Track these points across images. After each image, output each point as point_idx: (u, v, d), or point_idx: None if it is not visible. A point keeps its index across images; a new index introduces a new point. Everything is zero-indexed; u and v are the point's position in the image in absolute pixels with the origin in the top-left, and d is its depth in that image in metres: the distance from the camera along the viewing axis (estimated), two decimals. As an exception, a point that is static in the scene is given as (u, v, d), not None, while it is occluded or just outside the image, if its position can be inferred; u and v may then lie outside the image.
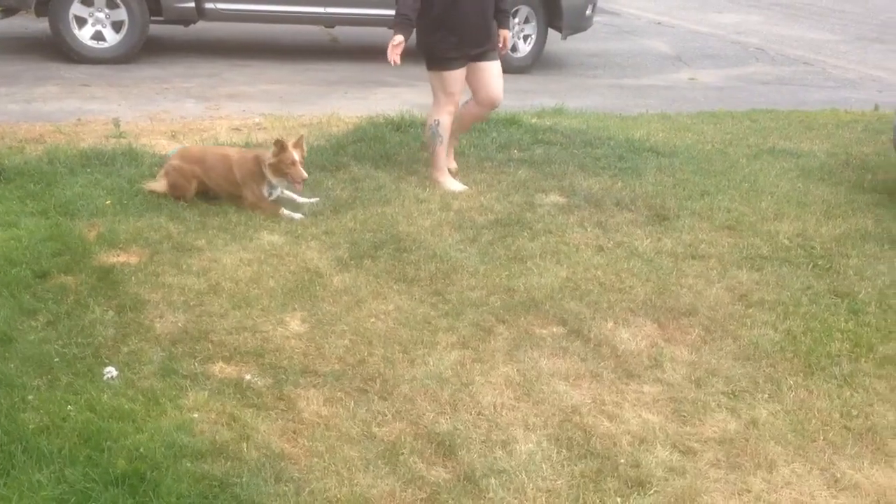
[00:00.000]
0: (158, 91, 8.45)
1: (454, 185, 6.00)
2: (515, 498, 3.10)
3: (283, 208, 5.40)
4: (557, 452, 3.36)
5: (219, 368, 3.77)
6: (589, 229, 5.48)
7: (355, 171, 6.23)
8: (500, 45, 5.95)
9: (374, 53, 10.78)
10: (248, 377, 3.70)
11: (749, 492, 3.24)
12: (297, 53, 10.61)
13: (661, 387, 3.87)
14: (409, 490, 3.10)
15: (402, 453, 3.28)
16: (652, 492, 3.18)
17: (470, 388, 3.74)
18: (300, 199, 5.56)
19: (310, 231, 5.16)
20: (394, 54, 5.53)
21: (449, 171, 6.15)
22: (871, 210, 6.20)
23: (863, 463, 3.45)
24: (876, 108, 9.51)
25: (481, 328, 4.23)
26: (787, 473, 3.36)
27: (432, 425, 3.47)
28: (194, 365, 3.77)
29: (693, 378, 3.95)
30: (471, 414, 3.57)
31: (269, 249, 4.89)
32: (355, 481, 3.11)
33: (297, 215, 5.35)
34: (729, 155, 7.30)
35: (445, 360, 3.93)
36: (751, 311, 4.59)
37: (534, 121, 7.85)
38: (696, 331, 4.35)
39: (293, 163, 5.23)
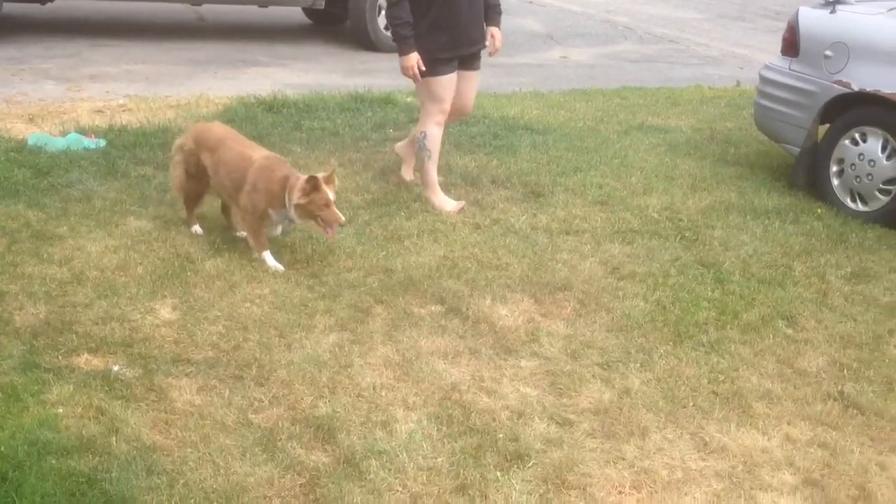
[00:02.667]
0: (14, 72, 7.98)
1: (447, 203, 5.45)
2: (396, 478, 3.09)
3: (268, 251, 4.57)
4: (437, 430, 3.37)
5: (84, 360, 3.61)
6: (466, 207, 5.50)
7: (227, 152, 6.05)
8: (492, 46, 5.52)
9: (243, 32, 10.54)
10: (115, 368, 3.55)
11: (623, 459, 3.33)
12: (162, 32, 10.22)
13: (538, 361, 3.93)
14: (288, 476, 3.05)
15: (280, 439, 3.22)
16: (531, 464, 3.22)
17: (348, 370, 3.70)
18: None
19: (179, 216, 4.97)
20: (413, 72, 5.15)
21: (405, 180, 5.82)
22: (735, 183, 6.46)
23: (730, 426, 3.59)
24: (738, 84, 9.90)
25: (359, 309, 4.18)
26: (658, 439, 3.46)
27: (311, 409, 3.41)
28: (58, 358, 3.60)
29: (569, 351, 4.02)
30: (350, 396, 3.53)
31: (137, 235, 4.70)
32: (232, 470, 3.03)
33: (280, 267, 4.52)
34: (600, 132, 7.46)
35: (323, 342, 3.88)
36: (623, 283, 4.71)
37: (409, 99, 7.81)
38: (571, 304, 4.43)
39: (327, 204, 4.36)
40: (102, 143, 6.01)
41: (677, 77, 10.30)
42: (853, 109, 6.16)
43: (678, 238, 5.34)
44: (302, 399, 3.48)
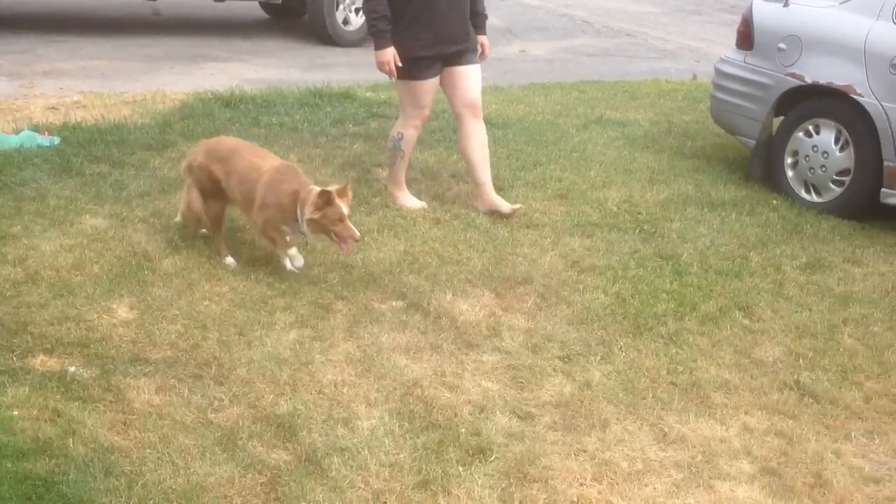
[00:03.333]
0: (-37, 68, 7.83)
1: (412, 202, 5.41)
2: (358, 475, 3.08)
3: (294, 248, 4.42)
4: (399, 426, 3.37)
5: (40, 361, 3.55)
6: (426, 202, 5.49)
7: (184, 149, 5.94)
8: (479, 53, 5.41)
9: (199, 27, 10.41)
10: (72, 369, 3.50)
11: (584, 451, 3.35)
12: (117, 28, 10.06)
13: (500, 355, 3.94)
14: (249, 475, 3.03)
15: (241, 438, 3.20)
16: (493, 458, 3.23)
17: (309, 367, 3.69)
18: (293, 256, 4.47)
19: (136, 214, 4.91)
20: (390, 68, 5.05)
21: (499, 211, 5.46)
22: (692, 175, 6.53)
23: (689, 416, 3.63)
24: (694, 77, 10.00)
25: (320, 306, 4.17)
26: (619, 431, 3.50)
27: (271, 407, 3.39)
28: (12, 359, 3.53)
29: (530, 345, 4.04)
30: (311, 393, 3.52)
31: (93, 234, 4.63)
32: (192, 470, 3.01)
33: (299, 262, 4.42)
34: (559, 125, 7.49)
35: (284, 340, 3.86)
36: (583, 276, 4.74)
37: (368, 94, 7.79)
38: (532, 298, 4.45)
39: (341, 218, 4.19)
40: (57, 140, 5.91)
41: (635, 71, 10.37)
42: (807, 102, 6.25)
43: (637, 231, 5.39)
44: (262, 397, 3.46)
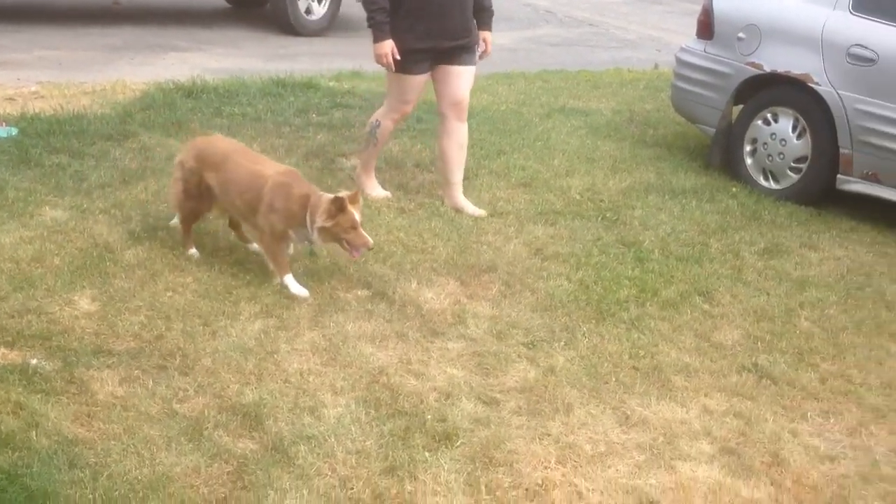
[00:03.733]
0: (-84, 59, 7.68)
1: (377, 191, 5.41)
2: (325, 462, 3.10)
3: (291, 274, 4.23)
4: (366, 414, 3.39)
5: (1, 354, 3.51)
6: (390, 191, 5.50)
7: (145, 139, 5.93)
8: (482, 49, 5.32)
9: (160, 16, 10.29)
10: (34, 362, 3.47)
11: (549, 435, 3.40)
12: (76, 17, 9.90)
13: (465, 342, 3.97)
14: (216, 464, 3.03)
15: (207, 428, 3.20)
16: (459, 443, 3.27)
17: (275, 356, 3.69)
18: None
19: (97, 205, 4.86)
20: (388, 60, 4.97)
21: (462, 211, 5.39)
22: (653, 163, 6.60)
23: (650, 400, 3.70)
24: (656, 66, 10.08)
25: (285, 296, 4.16)
26: (582, 415, 3.55)
27: (237, 397, 3.40)
28: (-28, 353, 3.49)
29: (494, 332, 4.08)
30: (277, 382, 3.52)
31: (53, 226, 4.58)
32: (157, 460, 3.00)
33: (306, 292, 4.19)
34: (523, 115, 7.53)
35: (249, 329, 3.85)
36: (546, 263, 4.78)
37: (332, 84, 7.77)
38: (497, 286, 4.49)
39: (354, 226, 4.07)
40: (14, 131, 5.82)
41: (597, 60, 10.44)
42: (765, 90, 6.35)
43: (600, 218, 5.44)
44: (228, 387, 3.45)
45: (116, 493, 2.83)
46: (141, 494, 2.84)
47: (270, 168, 4.35)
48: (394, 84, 5.25)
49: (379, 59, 5.03)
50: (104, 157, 5.54)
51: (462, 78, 5.25)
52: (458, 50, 5.16)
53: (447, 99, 5.28)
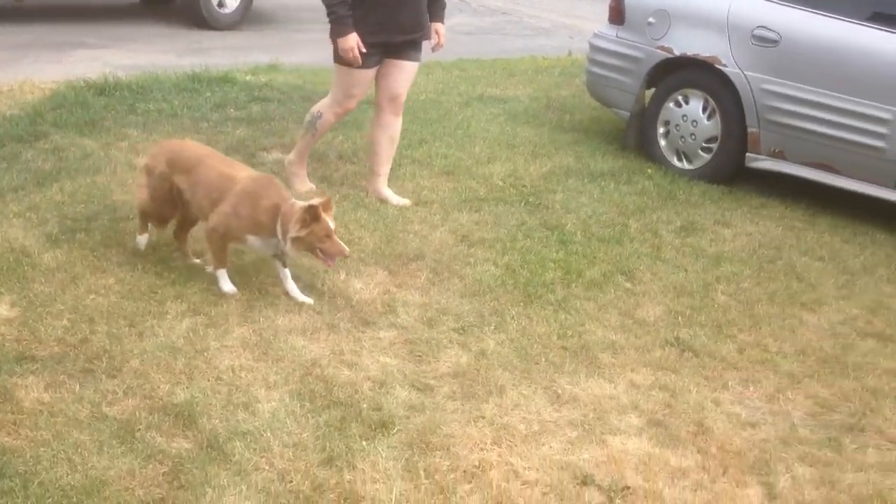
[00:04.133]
0: None
1: (303, 184, 5.36)
2: (262, 457, 3.09)
3: (224, 271, 4.11)
4: (301, 406, 3.39)
5: (-83, 367, 3.40)
6: (314, 184, 5.49)
7: (57, 139, 5.78)
8: (435, 42, 5.27)
9: (66, 13, 10.01)
10: (-47, 372, 3.37)
11: (483, 418, 3.46)
12: (-25, 15, 9.57)
13: (396, 331, 4.00)
14: (150, 466, 3.00)
15: (139, 430, 3.16)
16: (395, 431, 3.30)
17: (205, 354, 3.66)
18: (293, 293, 4.17)
19: (11, 209, 4.72)
20: (354, 54, 4.84)
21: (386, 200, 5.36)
22: (572, 148, 6.73)
23: (580, 378, 3.79)
24: (569, 53, 10.26)
25: (212, 293, 4.12)
26: (515, 396, 3.62)
27: (168, 397, 3.36)
28: None
29: (425, 319, 4.12)
30: (208, 380, 3.49)
31: (-35, 232, 4.44)
32: (90, 465, 2.95)
33: (233, 289, 4.12)
34: (442, 103, 7.58)
35: (177, 329, 3.81)
36: (473, 250, 4.84)
37: (248, 78, 7.68)
38: (425, 274, 4.53)
39: (328, 234, 3.96)
40: (-83, 135, 5.62)
41: (512, 48, 10.56)
42: (676, 73, 6.54)
43: (523, 203, 5.53)
44: (158, 387, 3.41)
45: (49, 500, 2.78)
46: (75, 500, 2.79)
47: (242, 172, 4.22)
48: (342, 78, 5.11)
49: (345, 53, 4.87)
50: (15, 159, 5.39)
51: (404, 73, 5.23)
52: (408, 45, 5.12)
53: (386, 92, 5.25)
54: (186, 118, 6.48)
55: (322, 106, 5.31)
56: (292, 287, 4.17)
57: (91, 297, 3.98)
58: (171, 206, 4.26)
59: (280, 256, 4.14)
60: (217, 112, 6.70)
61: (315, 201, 3.97)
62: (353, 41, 4.83)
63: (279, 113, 6.79)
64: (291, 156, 5.47)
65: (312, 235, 3.92)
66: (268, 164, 5.74)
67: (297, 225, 3.91)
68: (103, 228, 4.60)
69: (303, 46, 9.66)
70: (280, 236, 3.98)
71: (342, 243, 4.02)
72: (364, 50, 4.88)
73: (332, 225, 3.97)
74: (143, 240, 4.39)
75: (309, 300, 4.13)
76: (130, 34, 9.39)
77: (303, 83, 7.77)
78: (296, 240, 3.93)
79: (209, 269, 4.23)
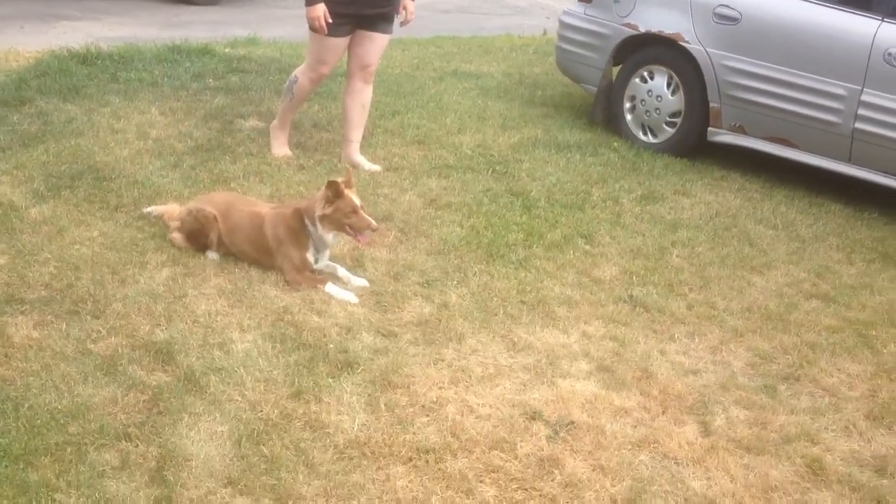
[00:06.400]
0: None
1: (280, 149, 5.59)
2: (235, 389, 3.33)
3: (329, 282, 4.16)
4: (272, 347, 3.63)
5: (-88, 306, 3.61)
6: (290, 150, 5.70)
7: (42, 105, 5.97)
8: (403, 18, 5.42)
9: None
10: (-54, 311, 3.58)
11: (443, 361, 3.71)
12: (-42, -15, 9.67)
13: (365, 284, 4.24)
14: (132, 394, 3.24)
15: (121, 364, 3.39)
16: (360, 370, 3.54)
17: (183, 300, 3.89)
18: (347, 278, 4.25)
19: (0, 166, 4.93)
20: (320, 23, 5.05)
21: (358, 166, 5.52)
22: (541, 121, 6.98)
23: (535, 328, 4.05)
24: (544, 32, 10.48)
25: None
26: (474, 343, 3.87)
27: (149, 336, 3.59)
28: None
29: (392, 273, 4.36)
30: (186, 323, 3.73)
31: (-47, 187, 4.64)
32: (75, 393, 3.19)
33: (350, 295, 4.10)
34: (416, 78, 7.80)
35: (157, 277, 4.03)
36: (440, 213, 5.08)
37: (227, 50, 7.86)
38: (393, 233, 4.76)
39: (354, 210, 4.06)
40: None
41: (489, 27, 10.77)
42: (641, 50, 6.78)
43: (490, 171, 5.77)
44: (139, 328, 3.64)
45: (38, 420, 3.01)
46: (62, 422, 3.03)
47: (268, 209, 4.33)
48: (314, 45, 5.34)
49: (311, 21, 5.11)
50: (2, 121, 5.58)
51: (375, 44, 5.43)
52: (378, 18, 5.32)
53: (357, 60, 5.47)
54: (167, 87, 6.66)
55: (298, 71, 5.55)
56: (343, 272, 4.29)
57: (76, 247, 4.20)
58: (206, 229, 4.28)
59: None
60: (196, 82, 6.88)
61: (336, 178, 4.12)
62: (320, 11, 5.06)
63: (257, 83, 6.98)
64: (275, 121, 5.71)
65: (339, 212, 4.06)
66: (244, 130, 5.94)
67: (321, 203, 4.07)
68: (87, 186, 4.81)
69: (281, 22, 9.84)
70: (313, 227, 4.12)
71: (369, 217, 4.14)
72: (330, 20, 5.09)
73: (357, 201, 4.10)
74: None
75: (364, 282, 4.23)
76: (113, 8, 9.54)
77: (280, 56, 7.97)
78: (323, 218, 4.07)
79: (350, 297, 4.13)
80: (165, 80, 6.81)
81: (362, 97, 5.58)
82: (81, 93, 6.29)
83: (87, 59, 7.03)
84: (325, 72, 5.51)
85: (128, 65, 7.02)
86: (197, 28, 8.92)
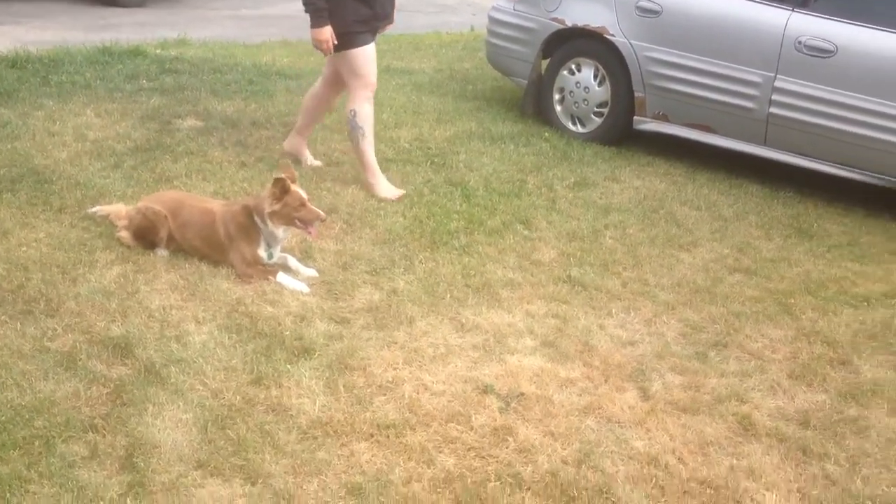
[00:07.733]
0: None
1: (389, 191, 5.32)
2: (196, 379, 3.42)
3: (280, 272, 4.26)
4: (229, 338, 3.72)
5: None
6: (230, 148, 5.78)
7: (-28, 111, 5.92)
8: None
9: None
10: None
11: (396, 343, 3.85)
12: None
13: (314, 274, 4.35)
14: (94, 387, 3.30)
15: (80, 359, 3.45)
16: (316, 356, 3.66)
17: (136, 296, 3.95)
18: (298, 268, 4.36)
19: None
20: (328, 46, 5.00)
21: (300, 160, 5.63)
22: (474, 114, 7.16)
23: (482, 309, 4.22)
24: (472, 29, 10.70)
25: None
26: (423, 326, 4.02)
27: (105, 332, 3.65)
28: None
29: (340, 263, 4.49)
30: (141, 318, 3.79)
31: None
32: (37, 389, 3.24)
33: (301, 285, 4.21)
34: (350, 75, 7.89)
35: (108, 275, 4.08)
36: (383, 204, 5.22)
37: (158, 51, 7.86)
38: (339, 225, 4.89)
39: (303, 203, 4.16)
40: None
41: (417, 24, 10.93)
42: (569, 43, 7.01)
43: (428, 163, 5.93)
44: (95, 324, 3.70)
45: (3, 417, 3.06)
46: (27, 417, 3.08)
47: (219, 205, 4.40)
48: (345, 65, 5.22)
49: (319, 44, 5.03)
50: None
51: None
52: (378, 31, 5.36)
53: (336, 72, 5.39)
54: (100, 88, 6.65)
55: (350, 104, 5.33)
56: (294, 262, 4.39)
57: (23, 249, 4.22)
58: (155, 227, 4.33)
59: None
60: (130, 83, 6.88)
61: (279, 175, 4.18)
62: (327, 34, 4.99)
63: (191, 84, 7.02)
64: (362, 173, 5.43)
65: (287, 207, 4.15)
66: (183, 129, 5.98)
67: (269, 201, 4.15)
68: (28, 189, 4.82)
69: (209, 23, 9.85)
70: (263, 224, 4.20)
71: (317, 209, 4.24)
72: (336, 42, 5.02)
73: (303, 194, 4.19)
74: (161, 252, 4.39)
75: (313, 272, 4.35)
76: (37, 11, 9.42)
77: (213, 56, 8.00)
78: (273, 214, 4.15)
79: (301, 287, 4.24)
80: (98, 82, 6.80)
81: (329, 104, 5.69)
82: (13, 97, 6.24)
83: (16, 62, 6.98)
84: (374, 81, 5.36)
85: (58, 68, 6.98)
86: (124, 30, 8.87)
